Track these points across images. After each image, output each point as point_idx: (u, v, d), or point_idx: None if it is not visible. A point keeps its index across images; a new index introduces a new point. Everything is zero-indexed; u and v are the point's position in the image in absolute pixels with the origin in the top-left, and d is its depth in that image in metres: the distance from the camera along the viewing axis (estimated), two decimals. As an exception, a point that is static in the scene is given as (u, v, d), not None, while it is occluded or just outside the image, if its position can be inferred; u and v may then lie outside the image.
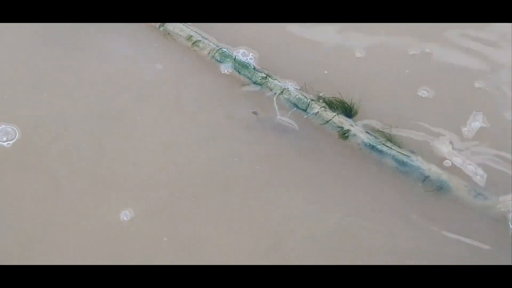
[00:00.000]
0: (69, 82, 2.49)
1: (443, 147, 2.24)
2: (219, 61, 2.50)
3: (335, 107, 2.40)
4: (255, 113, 2.36)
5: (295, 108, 2.39)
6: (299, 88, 2.45)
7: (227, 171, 2.27)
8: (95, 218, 2.15)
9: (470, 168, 2.20)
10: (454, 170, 2.21)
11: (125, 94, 2.46)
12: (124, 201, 2.19)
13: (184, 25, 2.60)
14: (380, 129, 2.33)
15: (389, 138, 2.31)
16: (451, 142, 2.25)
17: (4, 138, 2.25)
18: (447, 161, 2.22)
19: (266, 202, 2.21)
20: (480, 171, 2.20)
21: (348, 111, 2.39)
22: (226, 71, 2.50)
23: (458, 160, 2.21)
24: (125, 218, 2.15)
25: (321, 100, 2.42)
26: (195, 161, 2.30)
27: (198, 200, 2.21)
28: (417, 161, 2.21)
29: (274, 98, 2.39)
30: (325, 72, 2.48)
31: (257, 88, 2.43)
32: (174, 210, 2.19)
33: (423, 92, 2.43)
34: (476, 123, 2.29)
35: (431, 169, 2.19)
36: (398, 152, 2.24)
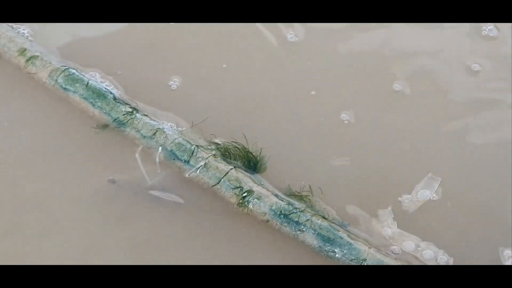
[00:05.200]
0: None
1: (385, 227, 1.49)
2: (64, 89, 1.69)
3: (234, 158, 1.63)
4: (112, 181, 1.69)
5: (173, 159, 1.60)
6: (181, 129, 1.67)
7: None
8: None
9: (428, 254, 1.45)
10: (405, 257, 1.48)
11: None
12: None
13: (15, 31, 1.79)
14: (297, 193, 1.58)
15: (309, 205, 1.56)
16: (394, 219, 1.52)
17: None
18: (394, 247, 1.47)
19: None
20: (442, 255, 1.47)
21: (253, 165, 1.62)
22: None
23: (409, 246, 1.46)
24: None
25: (213, 147, 1.64)
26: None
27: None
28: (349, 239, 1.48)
29: (137, 155, 1.60)
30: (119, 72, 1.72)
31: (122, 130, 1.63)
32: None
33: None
34: (426, 191, 1.54)
35: (371, 252, 1.46)
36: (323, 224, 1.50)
